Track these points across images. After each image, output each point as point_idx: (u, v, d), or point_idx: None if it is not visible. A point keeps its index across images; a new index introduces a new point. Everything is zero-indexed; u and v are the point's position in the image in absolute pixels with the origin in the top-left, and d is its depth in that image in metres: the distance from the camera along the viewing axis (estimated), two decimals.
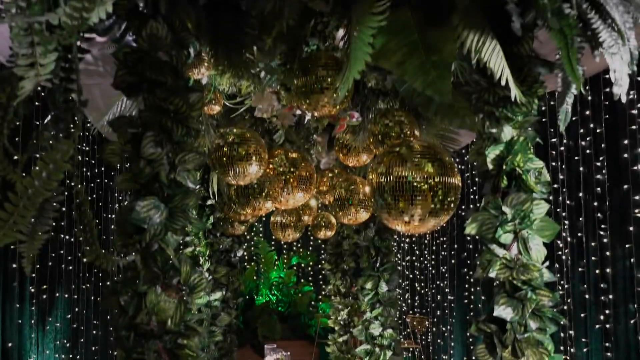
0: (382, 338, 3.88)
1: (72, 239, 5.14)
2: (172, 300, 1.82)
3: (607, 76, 4.01)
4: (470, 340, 6.45)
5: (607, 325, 3.92)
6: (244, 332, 8.63)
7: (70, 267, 5.15)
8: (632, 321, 3.71)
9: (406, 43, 1.72)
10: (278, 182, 3.05)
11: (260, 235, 10.08)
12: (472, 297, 6.40)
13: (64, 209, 4.87)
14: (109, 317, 5.92)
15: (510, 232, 1.95)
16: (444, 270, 7.38)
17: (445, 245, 7.36)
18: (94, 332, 5.61)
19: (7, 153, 1.46)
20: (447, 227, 7.26)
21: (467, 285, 6.58)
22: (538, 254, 1.96)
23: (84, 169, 5.10)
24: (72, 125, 1.61)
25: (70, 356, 5.08)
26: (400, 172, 2.16)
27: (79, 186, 1.65)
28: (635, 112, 3.72)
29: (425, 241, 8.16)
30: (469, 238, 6.57)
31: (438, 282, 7.58)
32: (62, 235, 4.93)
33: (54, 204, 1.54)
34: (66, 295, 5.06)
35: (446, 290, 7.25)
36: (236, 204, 3.83)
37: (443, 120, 2.62)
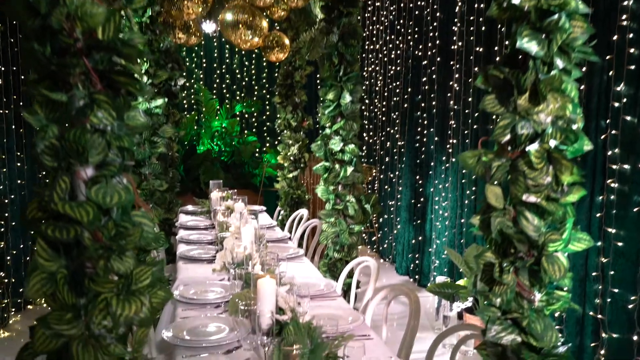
0: (342, 154, 3.56)
1: None
2: (102, 6, 1.33)
3: None
4: (420, 182, 6.37)
5: None
6: (186, 180, 8.29)
7: None
8: (602, 136, 3.56)
9: None
10: None
11: (201, 83, 9.41)
12: (425, 139, 6.23)
13: None
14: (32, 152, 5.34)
15: None
16: (395, 116, 7.13)
17: (398, 90, 7.04)
18: (19, 164, 5.06)
19: None
20: (402, 70, 6.90)
21: (419, 129, 6.38)
22: None
23: None
24: None
25: None
26: None
27: None
28: None
29: (377, 89, 7.82)
30: (424, 79, 6.26)
31: (388, 129, 7.36)
32: None
33: None
34: None
35: (396, 136, 7.06)
36: None
37: None
